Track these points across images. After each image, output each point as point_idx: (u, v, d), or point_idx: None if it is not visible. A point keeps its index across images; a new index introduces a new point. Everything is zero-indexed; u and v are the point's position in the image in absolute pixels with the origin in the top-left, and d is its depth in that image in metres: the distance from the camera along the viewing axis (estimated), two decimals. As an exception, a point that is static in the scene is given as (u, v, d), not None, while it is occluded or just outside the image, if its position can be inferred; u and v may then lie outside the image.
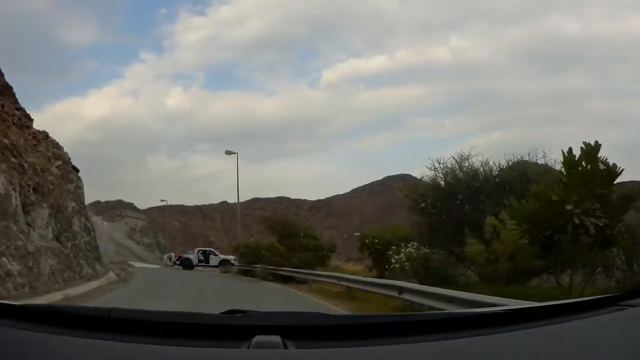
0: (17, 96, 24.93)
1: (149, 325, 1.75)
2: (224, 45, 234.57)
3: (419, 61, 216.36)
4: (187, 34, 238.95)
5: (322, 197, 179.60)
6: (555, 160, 19.45)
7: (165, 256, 79.04)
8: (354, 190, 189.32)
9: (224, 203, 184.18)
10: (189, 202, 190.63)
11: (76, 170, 29.40)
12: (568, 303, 2.01)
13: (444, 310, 8.79)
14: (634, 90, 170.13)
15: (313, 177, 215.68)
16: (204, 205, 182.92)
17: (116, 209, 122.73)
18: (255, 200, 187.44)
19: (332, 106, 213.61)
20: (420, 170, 32.24)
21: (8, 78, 24.84)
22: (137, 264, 62.78)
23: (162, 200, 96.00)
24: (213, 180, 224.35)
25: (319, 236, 41.57)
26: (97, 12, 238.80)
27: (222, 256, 54.26)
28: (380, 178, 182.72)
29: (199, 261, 54.68)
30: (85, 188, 31.20)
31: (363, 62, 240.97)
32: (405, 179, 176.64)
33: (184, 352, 1.59)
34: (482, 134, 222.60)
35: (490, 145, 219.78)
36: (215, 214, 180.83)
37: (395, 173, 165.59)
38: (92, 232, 29.31)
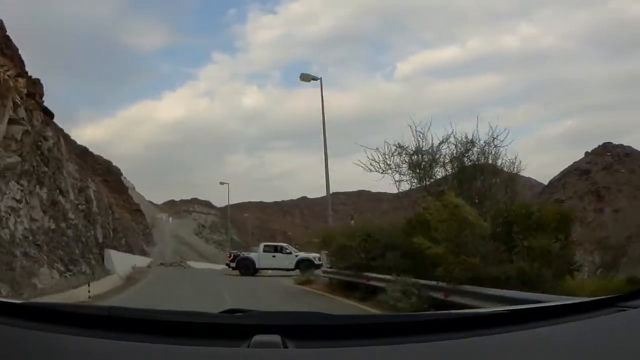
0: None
1: (149, 324, 1.74)
2: (297, 42, 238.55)
3: (489, 50, 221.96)
4: (259, 33, 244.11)
5: (403, 189, 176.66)
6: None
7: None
8: (434, 183, 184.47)
9: (304, 199, 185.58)
10: (268, 198, 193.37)
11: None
12: (568, 304, 1.99)
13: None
14: None
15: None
16: (283, 202, 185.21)
17: (183, 206, 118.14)
18: (334, 195, 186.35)
19: (407, 99, 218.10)
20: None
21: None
22: (197, 265, 58.27)
23: (221, 183, 72.48)
24: (291, 176, 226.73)
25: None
26: (167, 16, 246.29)
27: (301, 254, 35.68)
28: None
29: (264, 262, 35.73)
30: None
31: (435, 53, 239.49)
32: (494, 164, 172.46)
33: (185, 351, 1.59)
34: (554, 122, 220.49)
35: (563, 134, 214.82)
36: (294, 210, 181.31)
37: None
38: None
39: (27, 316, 1.79)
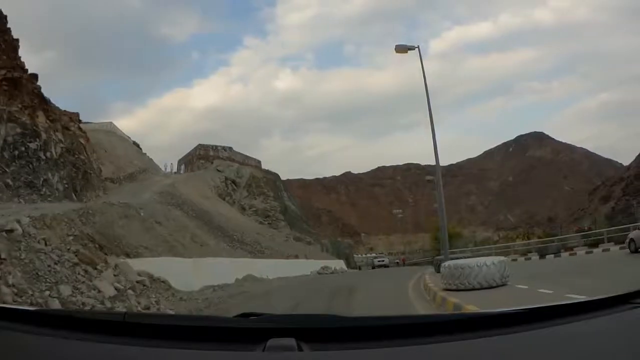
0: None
1: (164, 329, 1.78)
2: (330, 23, 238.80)
3: (522, 24, 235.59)
4: (290, 15, 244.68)
5: (454, 162, 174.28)
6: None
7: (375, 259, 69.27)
8: (486, 153, 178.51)
9: (348, 174, 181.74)
10: (309, 174, 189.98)
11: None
12: (582, 302, 1.98)
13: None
14: None
15: (439, 142, 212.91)
16: (325, 178, 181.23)
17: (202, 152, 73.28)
18: (381, 169, 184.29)
19: (443, 76, 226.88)
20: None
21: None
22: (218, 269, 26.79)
23: None
24: (329, 157, 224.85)
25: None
26: (196, 4, 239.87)
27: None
28: (512, 137, 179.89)
29: None
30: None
31: (468, 29, 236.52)
32: (539, 137, 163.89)
33: (200, 356, 1.62)
34: (589, 95, 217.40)
35: (599, 107, 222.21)
36: (339, 187, 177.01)
37: (527, 132, 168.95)
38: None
39: (42, 323, 1.80)
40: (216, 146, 69.17)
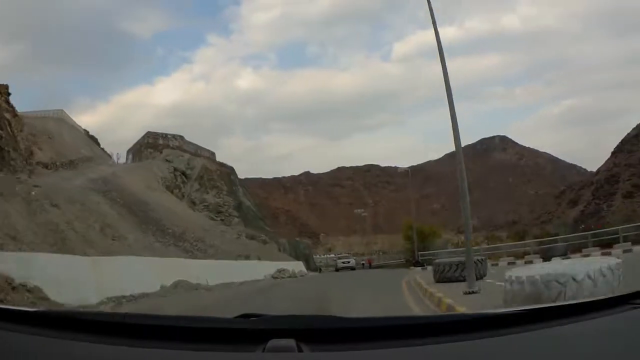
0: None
1: (165, 330, 1.76)
2: (294, 23, 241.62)
3: (488, 30, 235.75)
4: (255, 14, 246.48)
5: (415, 164, 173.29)
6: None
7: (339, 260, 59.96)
8: (448, 156, 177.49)
9: (307, 174, 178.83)
10: (268, 174, 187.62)
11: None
12: (582, 303, 2.02)
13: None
14: None
15: (397, 146, 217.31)
16: (284, 177, 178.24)
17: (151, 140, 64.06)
18: (341, 170, 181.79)
19: (406, 79, 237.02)
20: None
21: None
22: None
23: None
24: (291, 157, 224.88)
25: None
26: (162, 0, 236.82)
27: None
28: (475, 141, 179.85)
29: None
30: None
31: (432, 34, 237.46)
32: (503, 140, 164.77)
33: (200, 357, 1.63)
34: (553, 101, 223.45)
35: (562, 113, 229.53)
36: (298, 186, 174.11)
37: (490, 135, 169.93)
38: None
39: (42, 324, 1.81)
40: (166, 134, 62.29)
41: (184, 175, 53.97)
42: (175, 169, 53.53)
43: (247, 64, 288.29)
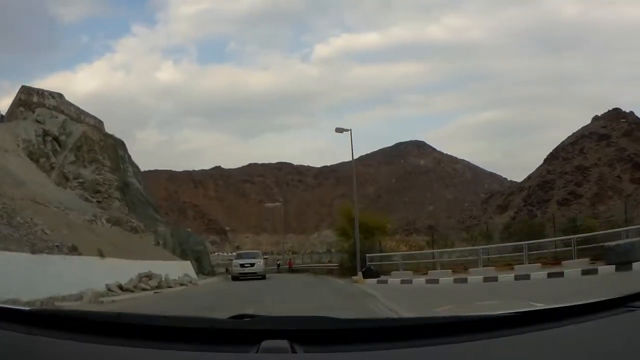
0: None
1: (158, 330, 1.75)
2: (218, 18, 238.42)
3: (413, 38, 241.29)
4: (181, 6, 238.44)
5: (328, 164, 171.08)
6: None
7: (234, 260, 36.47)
8: (362, 157, 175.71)
9: (218, 169, 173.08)
10: (178, 167, 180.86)
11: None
12: (578, 305, 1.99)
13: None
14: (627, 75, 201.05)
15: (310, 147, 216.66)
16: (194, 171, 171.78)
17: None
18: (252, 166, 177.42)
19: (324, 81, 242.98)
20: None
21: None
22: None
23: None
24: (202, 154, 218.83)
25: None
26: None
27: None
28: (391, 144, 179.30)
29: None
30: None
31: (357, 37, 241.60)
32: (420, 145, 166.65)
33: (194, 357, 1.62)
34: (473, 112, 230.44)
35: (480, 124, 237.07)
36: (208, 181, 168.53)
37: (408, 140, 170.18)
38: None
39: (35, 323, 1.81)
40: (42, 91, 45.41)
41: (56, 142, 41.62)
42: (46, 133, 41.00)
43: (168, 56, 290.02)
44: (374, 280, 24.80)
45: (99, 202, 35.95)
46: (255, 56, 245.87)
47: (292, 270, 53.38)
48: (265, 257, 36.56)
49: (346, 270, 31.71)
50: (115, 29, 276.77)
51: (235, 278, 33.16)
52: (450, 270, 23.75)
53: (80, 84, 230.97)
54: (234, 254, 52.34)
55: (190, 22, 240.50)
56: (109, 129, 46.80)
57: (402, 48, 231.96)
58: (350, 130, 30.71)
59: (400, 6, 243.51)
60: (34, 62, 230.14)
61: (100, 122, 49.36)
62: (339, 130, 31.03)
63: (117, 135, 46.69)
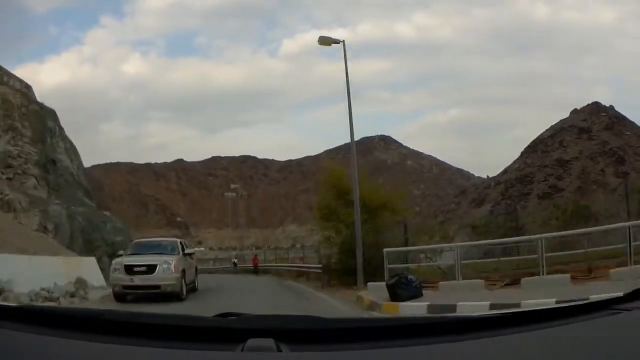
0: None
1: (143, 328, 1.76)
2: (187, 11, 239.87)
3: (381, 36, 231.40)
4: None
5: (293, 158, 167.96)
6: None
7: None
8: (328, 152, 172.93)
9: (180, 161, 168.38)
10: (140, 159, 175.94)
11: None
12: (562, 307, 2.01)
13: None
14: (594, 77, 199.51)
15: (275, 142, 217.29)
16: (156, 164, 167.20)
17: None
18: (215, 160, 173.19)
19: (291, 77, 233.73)
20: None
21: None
22: None
23: None
24: (165, 148, 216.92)
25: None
26: None
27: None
28: (357, 139, 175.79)
29: None
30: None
31: (325, 34, 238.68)
32: (386, 140, 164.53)
33: (178, 355, 1.62)
34: (440, 110, 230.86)
35: (447, 122, 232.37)
36: (169, 174, 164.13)
37: (373, 134, 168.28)
38: None
39: (21, 319, 1.80)
40: None
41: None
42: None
43: (136, 49, 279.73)
44: (411, 303, 12.92)
45: (9, 178, 29.80)
46: (222, 50, 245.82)
47: (257, 270, 44.89)
48: (190, 252, 21.12)
49: (336, 276, 22.59)
50: (84, 20, 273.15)
51: (120, 297, 17.46)
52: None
53: (47, 75, 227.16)
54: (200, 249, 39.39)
55: (158, 14, 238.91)
56: (74, 121, 42.08)
57: (368, 45, 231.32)
58: (343, 41, 22.85)
59: (370, 3, 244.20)
60: (2, 52, 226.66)
61: (28, 86, 42.04)
62: (325, 41, 23.12)
63: (81, 130, 41.32)
